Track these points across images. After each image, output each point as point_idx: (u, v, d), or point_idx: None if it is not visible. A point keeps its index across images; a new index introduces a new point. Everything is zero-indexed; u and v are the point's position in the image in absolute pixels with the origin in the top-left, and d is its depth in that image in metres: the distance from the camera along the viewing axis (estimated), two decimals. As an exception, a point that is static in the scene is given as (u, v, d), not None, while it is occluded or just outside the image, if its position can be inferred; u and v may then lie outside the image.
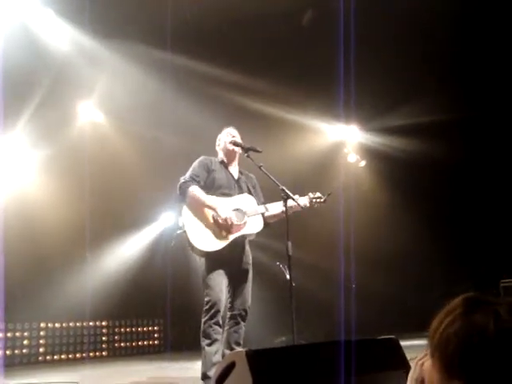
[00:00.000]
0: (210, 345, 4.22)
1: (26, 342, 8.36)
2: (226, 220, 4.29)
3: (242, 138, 4.77)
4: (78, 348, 9.08)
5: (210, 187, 4.48)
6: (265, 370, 1.93)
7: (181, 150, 8.31)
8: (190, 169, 4.55)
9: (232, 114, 7.61)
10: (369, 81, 8.23)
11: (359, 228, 9.19)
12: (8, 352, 8.05)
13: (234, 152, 4.68)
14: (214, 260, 4.30)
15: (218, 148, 4.82)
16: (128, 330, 9.97)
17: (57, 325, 8.86)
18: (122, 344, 9.80)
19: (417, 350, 1.31)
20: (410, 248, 10.22)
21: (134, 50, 7.51)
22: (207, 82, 8.04)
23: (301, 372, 1.99)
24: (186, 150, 7.89)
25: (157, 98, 8.18)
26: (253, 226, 4.47)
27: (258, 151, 4.49)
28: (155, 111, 8.44)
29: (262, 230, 4.54)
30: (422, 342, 1.23)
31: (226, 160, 4.71)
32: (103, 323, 9.56)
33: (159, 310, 10.39)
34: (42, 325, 8.67)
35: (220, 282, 4.31)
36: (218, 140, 4.85)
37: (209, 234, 4.31)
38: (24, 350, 8.32)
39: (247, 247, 4.59)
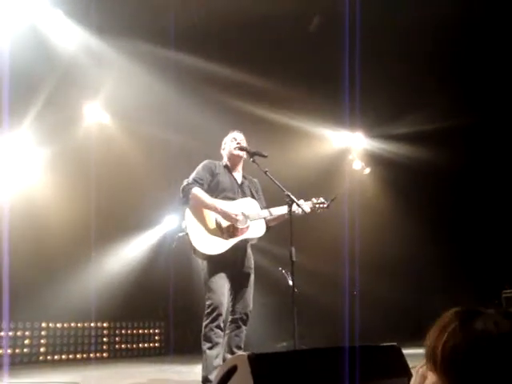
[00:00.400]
0: (211, 348, 4.23)
1: (27, 341, 8.37)
2: (236, 219, 4.30)
3: (247, 142, 4.78)
4: (80, 348, 9.07)
5: (214, 191, 4.49)
6: (266, 374, 1.93)
7: (186, 152, 8.33)
8: (194, 172, 4.56)
9: (238, 118, 7.63)
10: (374, 88, 8.23)
11: (363, 234, 9.19)
12: (9, 351, 8.06)
13: (238, 157, 4.69)
14: (216, 263, 4.31)
15: (222, 152, 4.84)
16: (129, 331, 9.97)
17: (58, 325, 8.86)
18: (124, 345, 9.80)
19: (419, 357, 1.30)
20: (414, 254, 10.20)
21: (141, 51, 7.53)
22: (214, 85, 8.06)
23: (302, 377, 1.99)
24: (192, 151, 7.92)
25: (163, 100, 8.19)
26: (255, 230, 4.47)
27: (263, 156, 4.49)
28: (161, 112, 8.46)
29: (264, 235, 4.55)
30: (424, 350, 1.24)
31: (230, 164, 4.71)
32: (105, 324, 9.56)
33: (161, 312, 10.38)
34: (44, 325, 8.67)
35: (222, 285, 4.31)
36: (223, 144, 4.86)
37: (211, 237, 4.31)
38: (25, 350, 8.33)
39: (249, 251, 4.59)
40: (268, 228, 4.57)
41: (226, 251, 4.30)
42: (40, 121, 7.77)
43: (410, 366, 2.28)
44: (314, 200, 4.63)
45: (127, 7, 7.05)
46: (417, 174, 10.36)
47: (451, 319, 1.16)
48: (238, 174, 4.74)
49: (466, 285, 9.91)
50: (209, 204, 4.37)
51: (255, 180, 4.88)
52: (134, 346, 9.99)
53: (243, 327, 4.43)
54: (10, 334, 8.14)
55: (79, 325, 9.14)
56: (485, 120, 9.26)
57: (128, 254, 9.89)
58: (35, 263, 8.19)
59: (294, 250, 4.09)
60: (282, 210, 4.47)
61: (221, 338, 4.28)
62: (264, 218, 4.52)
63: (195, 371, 5.25)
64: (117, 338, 9.71)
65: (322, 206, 4.60)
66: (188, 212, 4.38)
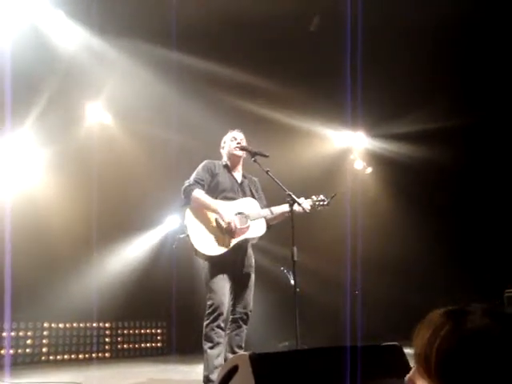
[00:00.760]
0: (212, 348, 4.24)
1: (29, 341, 8.37)
2: (229, 224, 4.30)
3: (248, 142, 4.78)
4: (82, 349, 9.07)
5: (214, 191, 4.51)
6: (268, 373, 1.93)
7: (187, 152, 8.33)
8: (194, 172, 4.58)
9: (239, 117, 7.61)
10: (376, 87, 8.22)
11: (365, 234, 9.18)
12: (11, 351, 8.06)
13: (238, 157, 4.69)
14: (217, 264, 4.31)
15: (222, 151, 4.83)
16: (132, 331, 9.96)
17: (60, 325, 8.86)
18: (126, 345, 9.80)
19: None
20: (416, 254, 10.18)
21: (143, 51, 7.53)
22: (215, 85, 8.06)
23: (304, 377, 1.99)
24: (193, 151, 7.92)
25: (164, 100, 8.19)
26: (256, 229, 4.48)
27: (265, 156, 4.49)
28: (163, 112, 8.46)
29: (264, 234, 4.55)
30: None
31: (229, 164, 4.71)
32: (107, 324, 9.56)
33: (163, 312, 10.38)
34: (46, 325, 8.67)
35: (223, 285, 4.32)
36: (222, 143, 4.85)
37: (212, 238, 4.32)
38: (27, 350, 8.33)
39: (250, 250, 4.60)
40: (269, 227, 4.58)
41: (227, 252, 4.31)
42: (42, 121, 7.78)
43: (412, 365, 2.27)
44: (314, 198, 4.63)
45: (128, 7, 7.05)
46: (418, 174, 10.34)
47: (442, 321, 1.13)
48: (238, 174, 4.74)
49: (468, 284, 9.90)
50: (209, 205, 4.37)
51: (255, 179, 4.88)
52: (136, 345, 9.99)
53: (244, 326, 4.44)
54: (12, 334, 8.15)
55: (81, 325, 9.14)
56: (487, 119, 9.25)
57: (130, 254, 9.89)
58: (37, 263, 8.19)
59: (295, 249, 4.10)
60: (283, 208, 4.48)
61: (222, 337, 4.29)
62: (264, 218, 4.52)
63: (197, 371, 5.26)
64: (119, 338, 9.71)
65: (322, 203, 4.60)
66: (189, 213, 4.40)
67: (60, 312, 8.57)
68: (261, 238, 4.57)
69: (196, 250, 4.29)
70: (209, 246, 4.28)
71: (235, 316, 4.44)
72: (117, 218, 9.07)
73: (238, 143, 4.68)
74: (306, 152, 10.17)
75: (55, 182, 8.50)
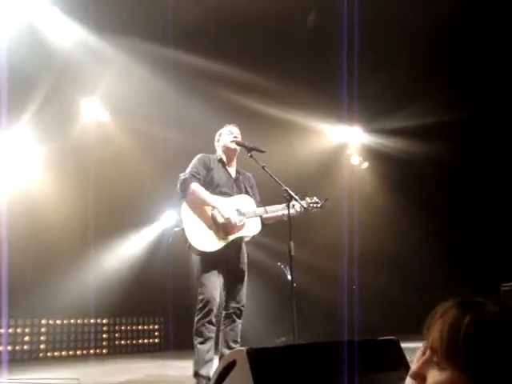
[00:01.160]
0: (202, 343, 4.24)
1: (27, 338, 8.38)
2: (227, 220, 4.28)
3: (243, 137, 4.76)
4: (79, 345, 9.09)
5: (208, 186, 4.45)
6: (266, 369, 1.93)
7: (184, 149, 8.31)
8: (190, 165, 4.52)
9: (235, 112, 7.61)
10: (372, 82, 8.23)
11: (362, 229, 9.20)
12: (9, 348, 8.07)
13: (234, 151, 4.66)
14: (210, 259, 4.29)
15: (217, 144, 4.77)
16: (129, 327, 9.98)
17: (58, 321, 8.87)
18: (123, 342, 9.82)
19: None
20: (412, 249, 10.21)
21: (139, 47, 7.52)
22: (211, 81, 8.05)
23: (302, 371, 2.00)
24: (190, 148, 7.89)
25: (161, 96, 8.18)
26: (251, 227, 4.46)
27: (261, 151, 4.48)
28: (159, 109, 8.45)
29: (261, 229, 4.55)
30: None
31: (225, 159, 4.67)
32: (104, 321, 9.57)
33: (160, 308, 10.39)
34: (44, 321, 8.68)
35: (215, 281, 4.31)
36: (217, 136, 4.78)
37: (207, 233, 4.30)
38: (25, 347, 8.34)
39: (243, 247, 4.58)
40: (263, 225, 4.57)
41: (221, 248, 4.30)
42: (38, 118, 7.76)
43: (409, 359, 2.29)
44: (308, 199, 4.59)
45: (124, 3, 7.03)
46: (415, 168, 10.36)
47: (462, 311, 1.13)
48: (232, 169, 4.71)
49: (464, 278, 9.94)
50: (206, 200, 4.35)
51: (249, 174, 4.85)
52: (134, 342, 10.01)
53: (238, 321, 4.44)
54: (10, 330, 8.16)
55: (79, 321, 9.15)
56: (484, 113, 9.26)
57: (127, 251, 9.90)
58: (34, 260, 8.19)
59: (292, 244, 4.10)
60: (278, 208, 4.46)
61: (213, 332, 4.30)
62: (260, 217, 4.51)
63: (194, 367, 5.26)
64: (116, 334, 9.73)
65: (315, 205, 4.56)
66: (185, 206, 4.36)
67: (57, 308, 8.59)
68: (258, 233, 4.56)
69: (190, 245, 4.25)
70: (203, 241, 4.26)
71: (229, 311, 4.43)
72: (114, 214, 9.07)
73: (234, 137, 4.65)
74: (303, 147, 10.18)
75: (52, 179, 8.49)
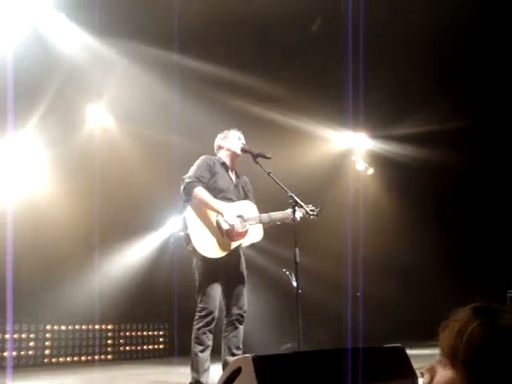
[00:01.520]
0: (203, 351, 4.25)
1: (31, 343, 8.38)
2: (232, 227, 4.25)
3: (247, 143, 4.74)
4: (84, 351, 9.08)
5: (212, 190, 4.41)
6: (270, 375, 1.93)
7: (190, 155, 8.31)
8: (194, 168, 4.47)
9: (241, 119, 7.61)
10: (377, 88, 8.23)
11: (367, 236, 9.17)
12: (14, 353, 8.07)
13: (238, 156, 4.65)
14: (212, 266, 4.27)
15: (221, 144, 4.71)
16: (134, 333, 9.97)
17: (63, 327, 8.87)
18: (128, 347, 9.80)
19: (424, 359, 1.29)
20: (418, 256, 10.18)
21: (144, 53, 7.54)
22: (216, 87, 8.06)
23: (307, 379, 1.99)
24: (195, 154, 7.90)
25: (166, 102, 8.19)
26: (254, 235, 4.45)
27: (267, 157, 4.46)
28: (164, 115, 8.46)
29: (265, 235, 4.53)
30: (429, 351, 1.23)
31: (228, 163, 4.65)
32: (109, 326, 9.56)
33: (165, 314, 10.39)
34: (48, 327, 8.68)
35: (217, 289, 4.31)
36: (221, 137, 4.74)
37: (212, 239, 4.27)
38: (30, 352, 8.34)
39: (241, 253, 4.57)
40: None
41: (224, 255, 4.28)
42: (43, 124, 7.79)
43: (415, 367, 2.27)
44: (306, 207, 4.53)
45: (130, 10, 7.06)
46: (421, 175, 10.34)
47: (471, 317, 1.15)
48: (233, 174, 4.69)
49: (471, 285, 9.89)
50: (212, 205, 4.31)
51: (247, 179, 4.82)
52: (139, 347, 10.00)
53: (240, 327, 4.43)
54: (15, 336, 8.16)
55: (83, 327, 9.14)
56: (490, 121, 9.25)
57: (132, 257, 9.90)
58: (39, 266, 8.21)
59: (297, 251, 4.09)
60: (278, 215, 4.43)
61: (211, 340, 4.31)
62: (262, 223, 4.48)
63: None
64: (121, 340, 9.71)
65: (312, 213, 4.51)
66: (190, 211, 4.30)
67: (62, 314, 8.59)
68: (263, 238, 4.55)
69: (194, 249, 4.20)
70: (209, 247, 4.23)
71: (232, 318, 4.41)
72: (119, 220, 9.08)
73: (242, 143, 4.64)
74: (308, 153, 10.17)
75: (57, 184, 8.51)
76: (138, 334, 10.05)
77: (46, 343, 8.58)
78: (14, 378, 6.69)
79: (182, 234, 4.36)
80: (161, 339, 10.42)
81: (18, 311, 7.65)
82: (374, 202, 10.94)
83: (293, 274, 4.25)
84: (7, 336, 7.97)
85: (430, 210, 10.46)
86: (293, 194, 4.25)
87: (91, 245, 8.66)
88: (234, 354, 4.28)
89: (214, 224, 4.30)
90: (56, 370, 7.82)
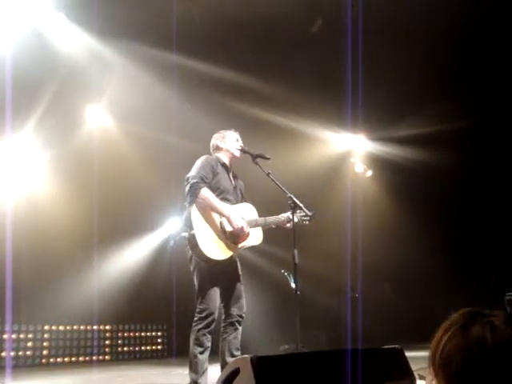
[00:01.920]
0: (202, 353, 4.24)
1: (30, 344, 8.37)
2: (238, 229, 4.24)
3: (245, 144, 4.73)
4: (82, 351, 9.07)
5: (214, 191, 4.36)
6: (269, 376, 1.93)
7: (189, 155, 8.32)
8: (198, 167, 4.39)
9: (240, 120, 7.61)
10: (376, 90, 8.24)
11: (365, 238, 9.18)
12: (12, 353, 8.07)
13: (236, 158, 4.65)
14: (214, 268, 4.26)
15: (220, 146, 4.67)
16: (132, 334, 9.96)
17: (61, 328, 8.86)
18: (126, 348, 9.80)
19: (423, 361, 1.30)
20: (417, 258, 10.19)
21: (144, 54, 7.54)
22: (216, 88, 8.07)
23: (305, 379, 1.99)
24: (194, 155, 7.91)
25: (166, 103, 8.20)
26: (255, 238, 4.45)
27: (266, 158, 4.46)
28: (164, 116, 8.46)
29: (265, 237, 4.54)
30: (428, 353, 1.24)
31: (228, 164, 4.65)
32: (107, 327, 9.55)
33: (163, 315, 10.38)
34: (47, 327, 8.67)
35: (217, 291, 4.31)
36: (219, 137, 4.71)
37: (217, 241, 4.25)
38: (28, 352, 8.33)
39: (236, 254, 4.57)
40: None
41: (228, 257, 4.28)
42: (43, 124, 7.78)
43: (413, 368, 2.28)
44: (300, 213, 4.53)
45: (130, 10, 7.06)
46: (419, 177, 10.35)
47: (455, 320, 1.15)
48: (231, 175, 4.68)
49: (469, 288, 9.90)
50: (218, 208, 4.26)
51: (241, 182, 4.82)
52: (137, 348, 9.99)
53: (240, 328, 4.43)
54: (13, 336, 8.15)
55: (82, 327, 9.14)
56: (490, 122, 9.25)
57: (130, 257, 9.89)
58: (38, 266, 8.20)
59: (296, 252, 4.09)
60: (275, 219, 4.45)
61: (210, 342, 4.31)
62: (261, 227, 4.48)
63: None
64: (119, 341, 9.71)
65: (305, 218, 4.50)
66: (195, 212, 4.23)
67: (61, 314, 8.58)
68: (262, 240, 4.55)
69: (200, 250, 4.14)
70: (213, 249, 4.20)
71: (232, 319, 4.40)
72: (118, 221, 9.08)
73: (240, 145, 4.64)
74: (307, 155, 10.16)
75: (56, 185, 8.50)
76: (136, 334, 10.04)
77: (45, 343, 8.57)
78: (12, 378, 6.69)
79: (184, 234, 4.29)
80: (159, 340, 10.41)
81: (17, 311, 7.65)
82: (373, 204, 10.94)
83: (291, 275, 4.24)
84: (6, 336, 7.96)
85: (429, 212, 10.46)
86: (292, 195, 4.26)
87: (90, 245, 8.66)
88: (233, 356, 4.28)
89: (219, 226, 4.29)
90: (54, 371, 7.81)
